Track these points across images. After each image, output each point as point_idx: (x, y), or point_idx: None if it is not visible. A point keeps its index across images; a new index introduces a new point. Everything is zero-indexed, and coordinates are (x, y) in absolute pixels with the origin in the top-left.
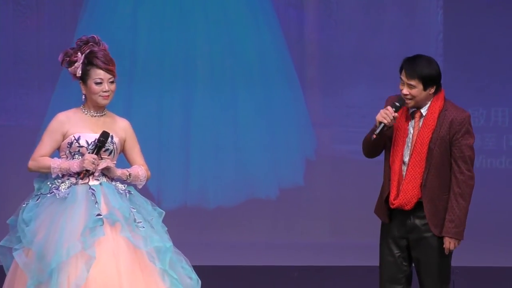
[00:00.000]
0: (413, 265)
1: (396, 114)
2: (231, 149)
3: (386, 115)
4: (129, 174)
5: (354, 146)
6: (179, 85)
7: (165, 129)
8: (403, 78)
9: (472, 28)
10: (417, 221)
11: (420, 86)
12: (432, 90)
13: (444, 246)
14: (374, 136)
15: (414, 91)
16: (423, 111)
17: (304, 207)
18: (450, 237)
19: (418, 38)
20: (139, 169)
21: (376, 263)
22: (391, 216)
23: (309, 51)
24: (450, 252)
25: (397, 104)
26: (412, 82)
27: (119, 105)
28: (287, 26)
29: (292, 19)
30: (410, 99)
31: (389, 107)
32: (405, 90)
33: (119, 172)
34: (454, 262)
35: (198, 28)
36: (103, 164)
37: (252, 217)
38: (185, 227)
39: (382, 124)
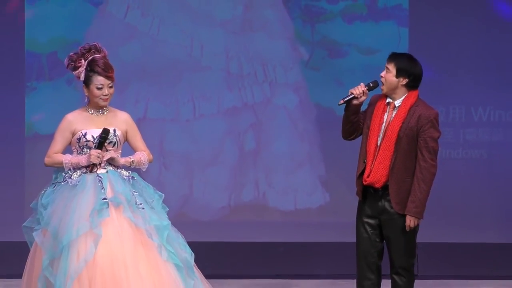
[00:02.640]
0: (384, 242)
1: (365, 89)
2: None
3: (357, 88)
4: (132, 161)
5: None
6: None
7: None
8: (386, 63)
9: (434, 36)
10: (387, 204)
11: (394, 72)
12: (403, 82)
13: (405, 223)
14: (342, 101)
15: (387, 75)
16: (397, 103)
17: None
18: (411, 216)
19: (385, 49)
20: (141, 155)
21: (353, 239)
22: (365, 196)
23: None
24: (415, 230)
25: (371, 84)
26: (389, 66)
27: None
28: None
29: None
30: (383, 83)
31: (362, 83)
32: (382, 73)
33: (122, 160)
34: (418, 239)
35: None
36: (107, 156)
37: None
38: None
39: (352, 95)
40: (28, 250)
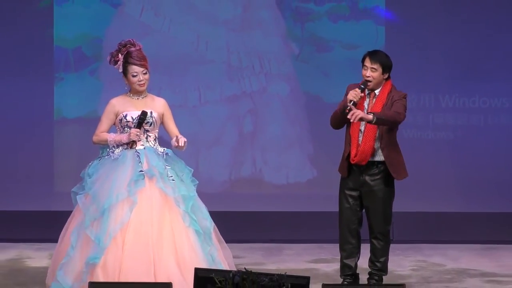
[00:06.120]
0: (364, 211)
1: (362, 94)
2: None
3: (355, 94)
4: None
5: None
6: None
7: None
8: (367, 64)
9: (407, 34)
10: (367, 178)
11: (380, 70)
12: (386, 76)
13: (354, 112)
14: (347, 110)
15: (375, 74)
16: (377, 92)
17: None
18: (371, 114)
19: (365, 45)
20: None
21: (336, 209)
22: (349, 172)
23: None
24: (391, 201)
25: (362, 86)
26: (375, 66)
27: None
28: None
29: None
30: (370, 81)
31: (357, 89)
32: (368, 73)
33: (184, 148)
34: (393, 208)
35: None
36: (182, 145)
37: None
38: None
39: (353, 101)
40: (55, 218)
